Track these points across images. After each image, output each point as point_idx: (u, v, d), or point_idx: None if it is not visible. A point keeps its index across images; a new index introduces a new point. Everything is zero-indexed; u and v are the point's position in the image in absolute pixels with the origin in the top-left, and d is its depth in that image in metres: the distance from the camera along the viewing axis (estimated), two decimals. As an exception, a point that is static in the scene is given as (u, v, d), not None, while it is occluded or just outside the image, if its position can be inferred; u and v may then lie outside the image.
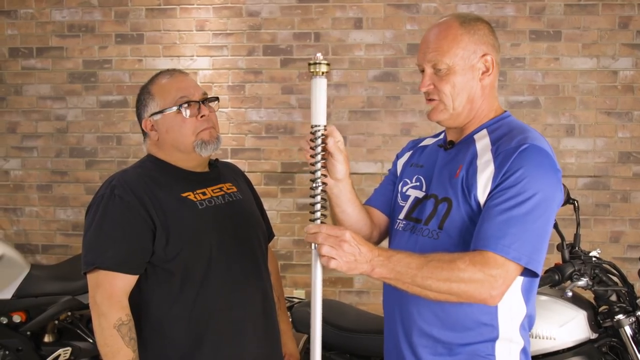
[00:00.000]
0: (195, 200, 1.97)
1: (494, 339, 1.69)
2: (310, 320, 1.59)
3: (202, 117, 1.97)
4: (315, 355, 1.60)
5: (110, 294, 1.82)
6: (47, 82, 4.49)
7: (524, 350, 1.74)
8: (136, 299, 1.89)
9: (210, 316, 1.92)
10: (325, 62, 1.57)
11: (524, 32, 4.14)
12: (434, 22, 1.80)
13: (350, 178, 1.77)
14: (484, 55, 1.72)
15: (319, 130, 1.60)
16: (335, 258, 1.52)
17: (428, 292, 1.56)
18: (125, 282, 1.85)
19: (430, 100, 1.76)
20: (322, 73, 1.57)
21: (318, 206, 1.59)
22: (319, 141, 1.60)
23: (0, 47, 4.50)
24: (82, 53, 4.44)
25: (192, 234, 1.91)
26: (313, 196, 1.59)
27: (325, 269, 1.55)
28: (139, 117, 2.04)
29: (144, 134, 2.05)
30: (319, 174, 1.60)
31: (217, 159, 2.17)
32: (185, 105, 1.95)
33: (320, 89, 1.58)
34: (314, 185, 1.59)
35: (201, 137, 1.96)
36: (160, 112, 1.97)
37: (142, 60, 4.39)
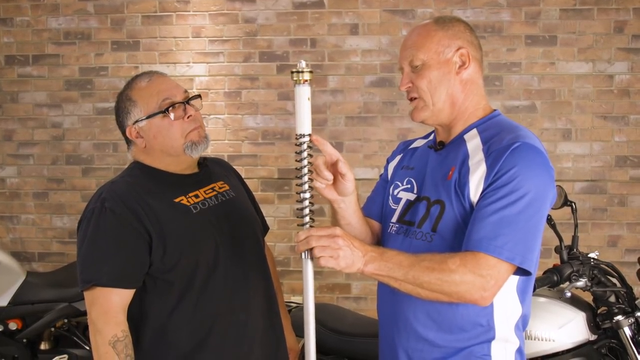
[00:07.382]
0: (188, 204, 1.93)
1: (490, 340, 1.69)
2: (304, 338, 1.63)
3: (188, 117, 1.92)
4: None
5: (106, 310, 1.78)
6: (43, 89, 4.48)
7: (519, 350, 1.74)
8: (136, 309, 1.87)
9: (213, 321, 1.89)
10: (308, 69, 1.55)
11: (519, 37, 4.16)
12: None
13: (356, 191, 1.75)
14: (458, 49, 1.72)
15: (304, 139, 1.58)
16: (332, 256, 1.52)
17: (420, 291, 1.56)
18: (122, 297, 1.81)
19: (412, 99, 1.76)
20: (305, 81, 1.56)
21: (307, 210, 1.59)
22: (305, 151, 1.59)
23: (-3, 55, 4.51)
24: (78, 60, 4.45)
25: (189, 240, 1.88)
26: (301, 207, 1.60)
27: (316, 272, 1.56)
28: (122, 126, 1.97)
29: (128, 141, 1.99)
30: (306, 186, 1.59)
31: (205, 158, 2.12)
32: (171, 108, 1.90)
33: (303, 97, 1.56)
34: (302, 192, 1.59)
35: (190, 138, 1.91)
36: (146, 118, 1.91)
37: (138, 67, 4.38)
